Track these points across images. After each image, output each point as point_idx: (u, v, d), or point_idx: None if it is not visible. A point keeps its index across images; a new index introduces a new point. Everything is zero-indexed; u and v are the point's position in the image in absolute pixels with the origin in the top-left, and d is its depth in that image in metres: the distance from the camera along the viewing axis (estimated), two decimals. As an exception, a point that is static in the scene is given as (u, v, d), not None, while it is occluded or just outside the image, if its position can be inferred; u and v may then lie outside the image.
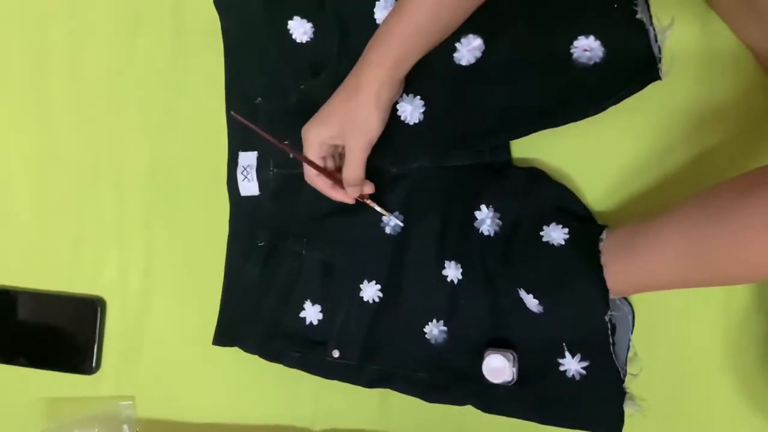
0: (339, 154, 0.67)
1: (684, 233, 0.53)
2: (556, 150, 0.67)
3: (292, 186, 0.72)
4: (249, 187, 0.73)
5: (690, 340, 0.65)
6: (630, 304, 0.65)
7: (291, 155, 0.66)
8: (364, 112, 0.61)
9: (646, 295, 0.63)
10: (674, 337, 0.66)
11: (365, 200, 0.68)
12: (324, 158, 0.65)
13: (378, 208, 0.68)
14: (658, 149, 0.65)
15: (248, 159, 0.74)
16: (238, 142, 0.74)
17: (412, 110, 0.68)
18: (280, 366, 0.72)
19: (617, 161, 0.66)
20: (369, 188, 0.67)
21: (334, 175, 0.66)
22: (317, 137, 0.63)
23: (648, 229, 0.56)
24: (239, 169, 0.74)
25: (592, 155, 0.67)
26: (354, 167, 0.63)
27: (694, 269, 0.53)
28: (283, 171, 0.72)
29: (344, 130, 0.62)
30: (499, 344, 0.66)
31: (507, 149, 0.68)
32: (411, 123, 0.68)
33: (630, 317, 0.65)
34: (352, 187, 0.65)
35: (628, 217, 0.65)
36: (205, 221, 0.78)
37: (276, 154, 0.71)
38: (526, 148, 0.68)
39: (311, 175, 0.66)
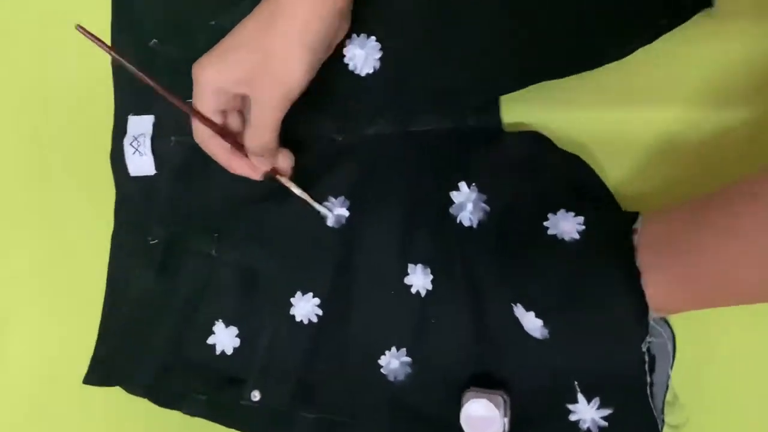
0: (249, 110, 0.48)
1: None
2: (566, 113, 0.49)
3: (200, 162, 0.52)
4: (141, 163, 0.53)
5: (756, 375, 0.46)
6: (669, 325, 0.46)
7: (174, 104, 0.46)
8: (283, 52, 0.43)
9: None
10: (733, 371, 0.47)
11: (279, 179, 0.49)
12: (224, 113, 0.47)
13: (297, 191, 0.49)
14: (707, 116, 0.47)
15: (141, 125, 0.54)
16: (127, 102, 0.55)
17: (364, 56, 0.49)
18: (179, 415, 0.52)
19: (652, 129, 0.48)
20: (285, 160, 0.49)
21: (235, 138, 0.48)
22: (213, 81, 0.45)
23: (712, 212, 0.38)
24: (128, 140, 0.54)
25: (615, 120, 0.48)
26: (261, 129, 0.45)
27: None
28: (186, 140, 0.53)
29: (252, 75, 0.44)
30: (485, 383, 0.47)
31: (496, 109, 0.49)
32: (363, 74, 0.50)
33: (670, 345, 0.46)
34: (260, 157, 0.47)
35: (667, 205, 0.46)
36: (83, 211, 0.58)
37: (179, 117, 0.51)
38: (524, 111, 0.49)
39: (203, 136, 0.47)
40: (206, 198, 0.53)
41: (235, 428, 0.51)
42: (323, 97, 0.49)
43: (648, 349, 0.42)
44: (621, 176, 0.48)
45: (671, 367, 0.46)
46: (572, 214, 0.45)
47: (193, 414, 0.51)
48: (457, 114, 0.49)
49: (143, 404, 0.52)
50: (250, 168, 0.48)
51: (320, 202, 0.50)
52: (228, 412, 0.51)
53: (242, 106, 0.48)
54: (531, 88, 0.47)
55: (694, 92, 0.47)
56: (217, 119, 0.47)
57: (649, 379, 0.42)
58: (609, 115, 0.48)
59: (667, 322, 0.46)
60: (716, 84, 0.46)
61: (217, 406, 0.51)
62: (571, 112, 0.48)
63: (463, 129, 0.49)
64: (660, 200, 0.47)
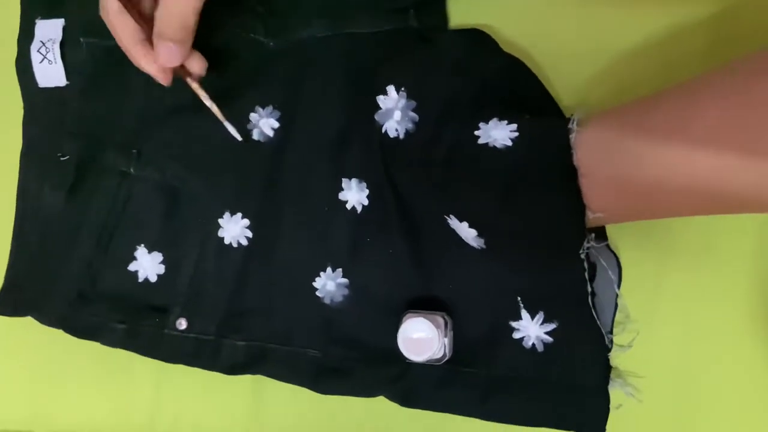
0: None
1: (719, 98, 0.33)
2: (519, 17, 0.45)
3: (115, 69, 0.47)
4: (50, 72, 0.48)
5: (706, 296, 0.44)
6: (614, 253, 0.44)
7: None
8: None
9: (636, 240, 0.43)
10: (684, 292, 0.45)
11: (189, 83, 0.44)
12: None
13: (207, 101, 0.44)
14: (666, 18, 0.44)
15: (50, 30, 0.48)
16: (36, 3, 0.49)
17: (296, -50, 0.45)
18: (99, 347, 0.48)
19: (608, 36, 0.45)
20: (198, 64, 0.43)
21: (146, 22, 0.42)
22: None
23: (653, 102, 0.36)
24: (35, 46, 0.48)
25: (568, 29, 0.45)
26: (174, 9, 0.40)
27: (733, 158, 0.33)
28: (99, 42, 0.48)
29: None
30: (425, 304, 0.44)
31: (442, 8, 0.45)
32: (295, -30, 0.45)
33: (616, 268, 0.44)
34: (168, 44, 0.40)
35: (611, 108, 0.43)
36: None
37: (91, 16, 0.45)
38: (474, 12, 0.45)
39: (110, 10, 0.41)
40: (123, 110, 0.48)
41: (157, 358, 0.47)
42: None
43: (587, 256, 0.39)
44: (568, 86, 0.45)
45: (618, 287, 0.44)
46: (505, 122, 0.42)
47: (112, 344, 0.47)
48: (399, 14, 0.45)
49: (59, 336, 0.48)
50: (155, 63, 0.41)
51: (246, 114, 0.45)
52: (150, 342, 0.47)
53: None
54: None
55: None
56: None
57: (590, 288, 0.40)
58: (564, 22, 0.45)
59: (610, 249, 0.44)
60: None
61: (138, 336, 0.47)
62: (525, 16, 0.45)
63: (405, 30, 0.45)
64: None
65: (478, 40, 0.44)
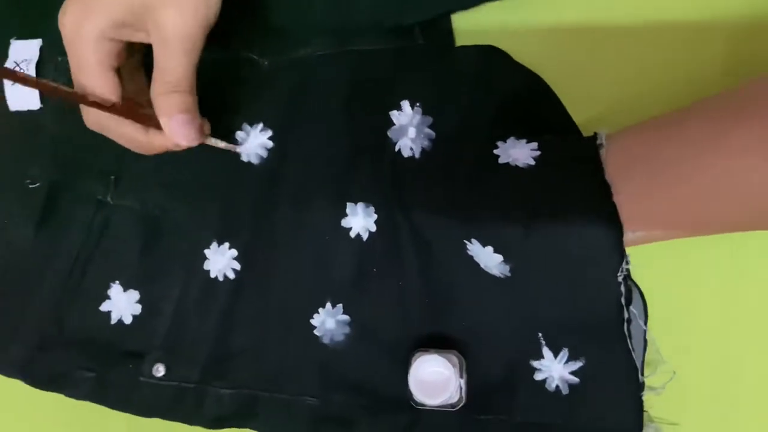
0: (134, 67, 0.39)
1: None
2: (524, 35, 0.43)
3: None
4: (23, 95, 0.44)
5: (743, 328, 0.41)
6: (637, 286, 0.40)
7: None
8: None
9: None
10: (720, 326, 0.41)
11: (207, 142, 0.40)
12: (117, 71, 0.36)
13: (226, 146, 0.40)
14: (682, 36, 0.43)
15: (25, 50, 0.45)
16: (11, 22, 0.46)
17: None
18: (64, 400, 0.42)
19: (620, 51, 0.43)
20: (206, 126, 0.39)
21: (140, 109, 0.37)
22: (94, 28, 0.34)
23: (687, 114, 0.34)
24: (10, 66, 0.45)
25: (579, 44, 0.43)
26: (174, 80, 0.35)
27: None
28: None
29: (144, 6, 0.34)
30: (435, 343, 0.40)
31: (447, 27, 0.43)
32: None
33: (640, 301, 0.40)
34: (183, 115, 0.36)
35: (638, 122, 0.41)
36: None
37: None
38: (479, 29, 0.43)
39: (97, 119, 0.37)
40: (101, 135, 0.44)
41: (130, 412, 0.41)
42: (243, 15, 0.42)
43: (625, 279, 0.36)
44: (575, 104, 0.42)
45: (645, 324, 0.40)
46: (524, 140, 0.39)
47: (78, 396, 0.41)
48: (404, 32, 0.43)
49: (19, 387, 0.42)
50: (169, 138, 0.36)
51: (233, 132, 0.42)
52: (123, 392, 0.41)
53: (132, 63, 0.38)
54: (486, 8, 0.42)
55: (665, 7, 0.42)
56: (109, 83, 0.35)
57: (626, 315, 0.36)
58: (572, 38, 0.43)
59: (632, 281, 0.40)
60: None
61: (109, 386, 0.41)
62: (531, 34, 0.43)
63: (413, 47, 0.42)
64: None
65: (493, 55, 0.42)
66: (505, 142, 0.39)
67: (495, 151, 0.39)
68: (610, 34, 0.43)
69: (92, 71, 0.35)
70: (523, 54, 0.42)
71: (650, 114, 0.39)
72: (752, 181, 0.33)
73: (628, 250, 0.36)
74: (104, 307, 0.43)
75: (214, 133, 0.40)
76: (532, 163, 0.38)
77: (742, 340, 0.40)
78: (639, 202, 0.35)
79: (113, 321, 0.42)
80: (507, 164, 0.39)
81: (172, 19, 0.34)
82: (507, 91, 0.41)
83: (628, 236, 0.35)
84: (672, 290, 0.40)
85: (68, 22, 0.35)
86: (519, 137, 0.39)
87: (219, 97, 0.42)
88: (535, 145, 0.39)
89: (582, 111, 0.42)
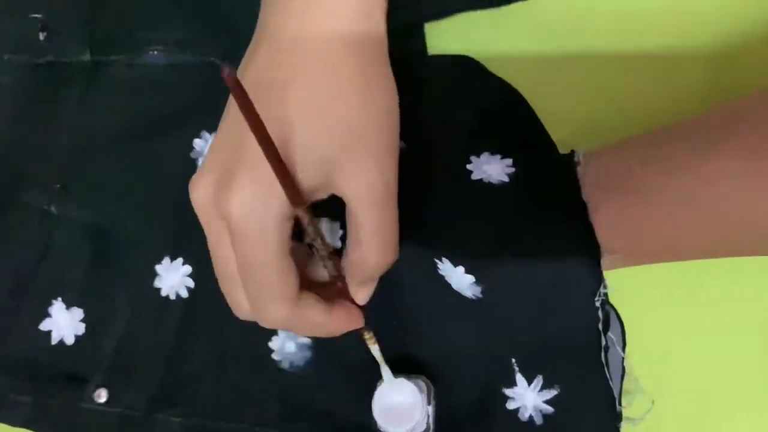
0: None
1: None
2: (498, 46, 0.41)
3: (46, 90, 0.40)
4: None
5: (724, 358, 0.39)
6: (616, 311, 0.39)
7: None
8: (384, 99, 0.29)
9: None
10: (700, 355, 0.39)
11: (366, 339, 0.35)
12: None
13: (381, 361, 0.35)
14: (660, 49, 0.41)
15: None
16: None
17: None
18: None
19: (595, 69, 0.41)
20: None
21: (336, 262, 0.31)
22: (277, 208, 0.27)
23: (669, 134, 0.33)
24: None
25: (554, 58, 0.42)
26: (379, 238, 0.29)
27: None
28: (24, 59, 0.41)
29: (337, 160, 0.28)
30: (405, 366, 0.37)
31: (420, 34, 0.41)
32: None
33: (619, 328, 0.39)
34: (366, 282, 0.32)
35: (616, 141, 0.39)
36: None
37: (20, 26, 0.39)
38: (451, 42, 0.41)
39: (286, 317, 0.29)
40: (48, 139, 0.41)
41: (69, 440, 0.38)
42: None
43: (602, 304, 0.34)
44: (551, 120, 0.41)
45: (623, 350, 0.38)
46: (498, 156, 0.37)
47: (13, 423, 0.38)
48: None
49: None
50: (356, 314, 0.32)
51: (189, 141, 0.39)
52: (63, 419, 0.38)
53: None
54: (459, 19, 0.40)
55: (644, 23, 0.41)
56: (289, 265, 0.28)
57: (604, 342, 0.34)
58: (548, 51, 0.42)
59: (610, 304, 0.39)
60: (670, 15, 0.41)
61: (48, 412, 0.38)
62: (507, 47, 0.41)
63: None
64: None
65: (468, 65, 0.40)
66: (479, 157, 0.38)
67: (468, 166, 0.37)
68: (585, 52, 0.41)
69: (277, 250, 0.27)
70: (497, 67, 0.41)
71: (627, 133, 0.37)
72: (732, 207, 0.32)
73: (606, 274, 0.34)
74: (44, 326, 0.39)
75: (169, 141, 0.38)
76: (506, 180, 0.36)
77: (723, 370, 0.38)
78: (618, 223, 0.33)
79: (54, 341, 0.39)
80: (480, 180, 0.37)
81: (372, 166, 0.29)
82: (482, 101, 0.39)
83: (606, 259, 0.34)
84: (651, 316, 0.39)
85: (238, 203, 0.27)
86: (493, 152, 0.37)
87: (177, 102, 0.40)
88: (509, 161, 0.37)
89: (558, 129, 0.40)
